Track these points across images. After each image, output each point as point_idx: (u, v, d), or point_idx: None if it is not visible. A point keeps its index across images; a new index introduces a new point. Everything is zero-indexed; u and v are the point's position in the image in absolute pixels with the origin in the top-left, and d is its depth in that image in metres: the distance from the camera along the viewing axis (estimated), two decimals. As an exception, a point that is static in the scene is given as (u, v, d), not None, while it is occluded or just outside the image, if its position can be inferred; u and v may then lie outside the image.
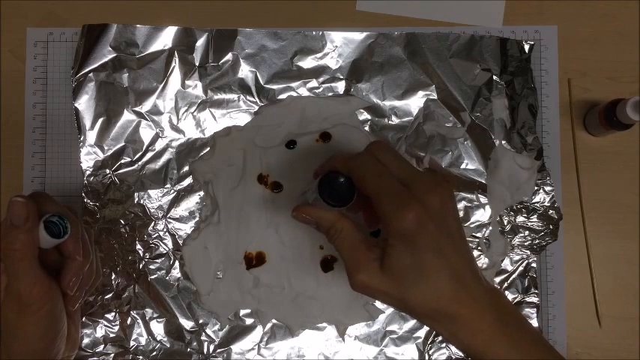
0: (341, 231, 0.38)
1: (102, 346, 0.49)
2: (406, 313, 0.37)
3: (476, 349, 0.36)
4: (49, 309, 0.40)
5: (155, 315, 0.50)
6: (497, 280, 0.50)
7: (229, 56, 0.52)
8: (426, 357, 0.49)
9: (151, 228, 0.50)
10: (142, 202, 0.51)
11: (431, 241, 0.36)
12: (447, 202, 0.37)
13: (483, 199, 0.51)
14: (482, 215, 0.51)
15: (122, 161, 0.51)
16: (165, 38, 0.52)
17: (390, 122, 0.52)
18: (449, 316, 0.36)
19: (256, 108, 0.52)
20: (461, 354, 0.49)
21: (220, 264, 0.50)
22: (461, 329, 0.36)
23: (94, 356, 0.49)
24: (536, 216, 0.50)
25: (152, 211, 0.51)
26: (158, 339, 0.49)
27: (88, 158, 0.51)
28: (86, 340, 0.49)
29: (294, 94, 0.52)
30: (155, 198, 0.51)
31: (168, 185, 0.51)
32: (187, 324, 0.50)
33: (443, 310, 0.36)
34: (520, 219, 0.51)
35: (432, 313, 0.36)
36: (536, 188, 0.51)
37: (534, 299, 0.50)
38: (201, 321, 0.50)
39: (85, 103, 0.51)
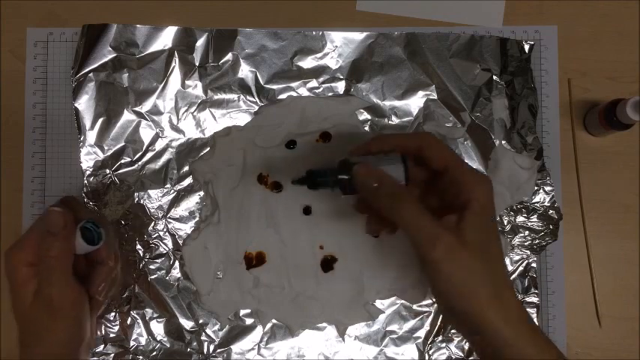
0: (405, 199, 0.36)
1: (102, 346, 0.49)
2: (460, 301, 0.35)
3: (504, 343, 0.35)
4: (78, 314, 0.41)
5: (155, 315, 0.50)
6: (497, 280, 0.50)
7: (229, 56, 0.52)
8: (426, 357, 0.49)
9: (150, 228, 0.50)
10: (142, 202, 0.51)
11: (495, 226, 0.37)
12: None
13: (483, 199, 0.51)
14: (482, 215, 0.51)
15: (122, 161, 0.51)
16: (165, 38, 0.52)
17: (390, 122, 0.52)
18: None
19: (256, 108, 0.52)
20: (461, 354, 0.49)
21: (220, 264, 0.50)
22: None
23: (94, 356, 0.49)
24: (536, 216, 0.50)
25: (152, 211, 0.51)
26: (158, 339, 0.49)
27: (88, 158, 0.51)
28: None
29: (294, 94, 0.52)
30: (155, 198, 0.51)
31: (168, 185, 0.51)
32: (187, 324, 0.50)
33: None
34: (520, 219, 0.51)
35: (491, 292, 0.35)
36: (536, 188, 0.51)
37: (534, 299, 0.50)
38: (201, 321, 0.50)
39: (85, 103, 0.51)
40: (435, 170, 0.39)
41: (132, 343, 0.49)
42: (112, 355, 0.49)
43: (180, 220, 0.51)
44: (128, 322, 0.49)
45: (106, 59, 0.51)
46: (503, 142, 0.51)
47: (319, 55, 0.52)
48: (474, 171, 0.39)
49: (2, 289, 0.51)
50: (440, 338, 0.50)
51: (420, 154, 0.39)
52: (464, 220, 0.36)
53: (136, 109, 0.51)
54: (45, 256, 0.39)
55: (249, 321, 0.50)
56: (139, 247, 0.50)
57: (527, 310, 0.50)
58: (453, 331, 0.50)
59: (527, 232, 0.51)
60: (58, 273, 0.39)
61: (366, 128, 0.52)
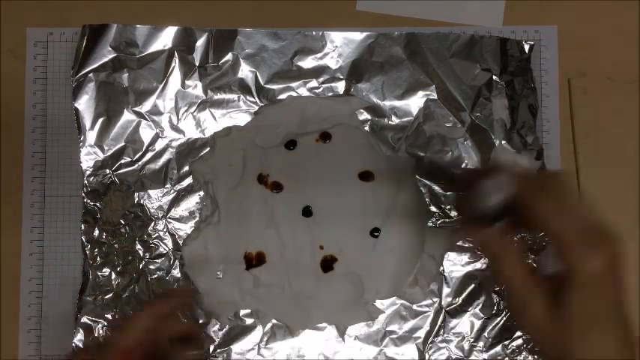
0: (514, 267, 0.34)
1: (102, 346, 0.49)
2: None
3: None
4: None
5: (155, 315, 0.50)
6: (497, 280, 0.50)
7: (229, 56, 0.52)
8: (426, 357, 0.49)
9: (150, 228, 0.50)
10: (142, 202, 0.51)
11: (618, 290, 0.32)
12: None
13: (483, 199, 0.51)
14: (482, 215, 0.51)
15: (122, 161, 0.51)
16: (165, 38, 0.52)
17: (390, 122, 0.52)
18: None
19: (256, 108, 0.52)
20: (461, 354, 0.49)
21: (220, 264, 0.50)
22: None
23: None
24: (536, 216, 0.50)
25: (152, 211, 0.51)
26: (158, 339, 0.49)
27: (88, 158, 0.51)
28: (86, 341, 0.49)
29: (294, 94, 0.52)
30: (155, 198, 0.51)
31: (168, 185, 0.51)
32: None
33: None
34: (520, 219, 0.51)
35: None
36: (536, 188, 0.51)
37: (534, 299, 0.50)
38: (201, 321, 0.50)
39: (85, 103, 0.51)
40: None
41: (132, 343, 0.49)
42: (112, 355, 0.49)
43: (180, 220, 0.51)
44: (128, 322, 0.49)
45: (106, 59, 0.51)
46: (503, 142, 0.51)
47: (319, 55, 0.52)
48: (589, 233, 0.33)
49: (2, 289, 0.51)
50: (440, 338, 0.50)
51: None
52: (563, 292, 0.32)
53: (136, 109, 0.51)
54: None
55: (249, 321, 0.50)
56: (139, 247, 0.50)
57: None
58: (452, 331, 0.50)
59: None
60: None
61: (366, 128, 0.52)
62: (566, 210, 0.34)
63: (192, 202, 0.51)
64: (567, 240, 0.33)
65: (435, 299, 0.50)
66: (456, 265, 0.50)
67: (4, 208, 0.52)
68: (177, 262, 0.50)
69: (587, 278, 0.32)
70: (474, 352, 0.49)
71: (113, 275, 0.50)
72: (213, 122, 0.52)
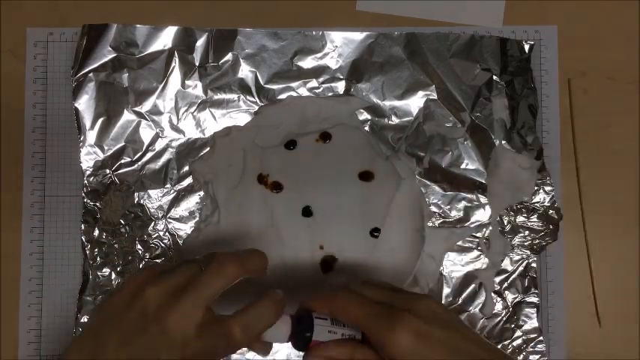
0: None
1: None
2: None
3: None
4: None
5: (155, 315, 0.50)
6: (498, 280, 0.50)
7: (229, 56, 0.52)
8: (426, 357, 0.49)
9: (150, 228, 0.50)
10: (142, 202, 0.51)
11: (440, 345, 0.34)
12: (433, 303, 0.37)
13: (483, 199, 0.51)
14: (482, 215, 0.51)
15: (122, 161, 0.51)
16: (165, 38, 0.52)
17: (390, 122, 0.52)
18: None
19: (256, 108, 0.52)
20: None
21: (220, 264, 0.50)
22: None
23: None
24: (536, 216, 0.50)
25: (152, 211, 0.51)
26: (158, 339, 0.49)
27: (88, 158, 0.51)
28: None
29: (294, 94, 0.52)
30: (155, 198, 0.51)
31: (168, 185, 0.51)
32: (187, 324, 0.50)
33: None
34: (520, 219, 0.51)
35: None
36: (536, 188, 0.51)
37: (534, 299, 0.50)
38: (201, 321, 0.50)
39: (85, 103, 0.51)
40: None
41: (132, 343, 0.49)
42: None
43: (180, 220, 0.51)
44: (128, 322, 0.49)
45: (106, 59, 0.51)
46: (503, 142, 0.51)
47: (319, 55, 0.52)
48: (385, 314, 0.36)
49: (2, 289, 0.51)
50: (440, 338, 0.50)
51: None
52: None
53: (136, 109, 0.51)
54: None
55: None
56: (138, 247, 0.50)
57: (527, 310, 0.50)
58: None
59: (527, 232, 0.51)
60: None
61: (366, 128, 0.52)
62: (365, 303, 0.37)
63: (192, 202, 0.51)
64: (369, 328, 0.36)
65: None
66: (456, 265, 0.50)
67: (4, 208, 0.52)
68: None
69: (402, 354, 0.34)
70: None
71: (113, 275, 0.50)
72: (213, 122, 0.52)
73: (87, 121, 0.51)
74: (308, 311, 0.39)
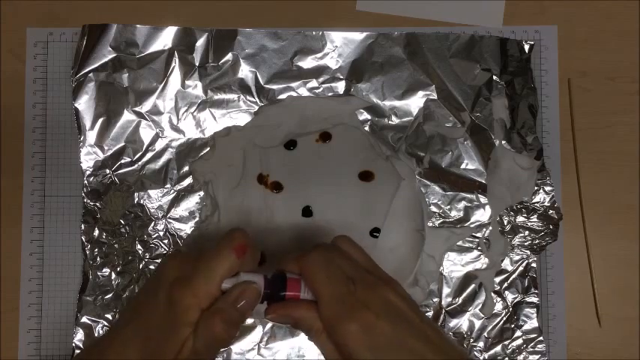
0: (322, 332, 0.37)
1: (102, 346, 0.49)
2: None
3: None
4: None
5: (155, 315, 0.50)
6: (497, 280, 0.50)
7: (229, 56, 0.52)
8: (426, 357, 0.49)
9: (150, 228, 0.50)
10: (142, 202, 0.51)
11: (385, 342, 0.34)
12: (391, 292, 0.36)
13: (483, 199, 0.51)
14: (482, 215, 0.51)
15: (122, 161, 0.51)
16: (165, 38, 0.52)
17: (390, 122, 0.52)
18: None
19: (256, 108, 0.52)
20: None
21: (220, 264, 0.50)
22: None
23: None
24: (536, 216, 0.50)
25: (152, 211, 0.51)
26: (158, 339, 0.49)
27: (88, 158, 0.51)
28: (86, 341, 0.49)
29: (294, 94, 0.52)
30: (155, 198, 0.51)
31: (168, 185, 0.51)
32: (187, 324, 0.50)
33: None
34: (520, 219, 0.51)
35: None
36: (536, 188, 0.51)
37: (534, 299, 0.50)
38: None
39: (85, 103, 0.51)
40: None
41: (132, 343, 0.49)
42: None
43: (180, 220, 0.51)
44: (128, 322, 0.49)
45: (106, 59, 0.51)
46: (503, 142, 0.51)
47: (319, 55, 0.52)
48: (343, 302, 0.36)
49: (2, 289, 0.51)
50: (440, 338, 0.50)
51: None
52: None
53: (136, 109, 0.51)
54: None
55: (249, 321, 0.50)
56: (138, 247, 0.50)
57: (527, 310, 0.50)
58: (452, 331, 0.50)
59: (527, 232, 0.51)
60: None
61: (366, 128, 0.52)
62: (331, 275, 0.36)
63: (192, 202, 0.51)
64: (321, 308, 0.36)
65: (435, 299, 0.50)
66: (456, 265, 0.50)
67: (5, 208, 0.52)
68: (177, 262, 0.50)
69: (345, 346, 0.34)
70: (474, 353, 0.49)
71: (113, 275, 0.50)
72: (213, 122, 0.52)
73: (87, 121, 0.51)
74: (282, 272, 0.38)
